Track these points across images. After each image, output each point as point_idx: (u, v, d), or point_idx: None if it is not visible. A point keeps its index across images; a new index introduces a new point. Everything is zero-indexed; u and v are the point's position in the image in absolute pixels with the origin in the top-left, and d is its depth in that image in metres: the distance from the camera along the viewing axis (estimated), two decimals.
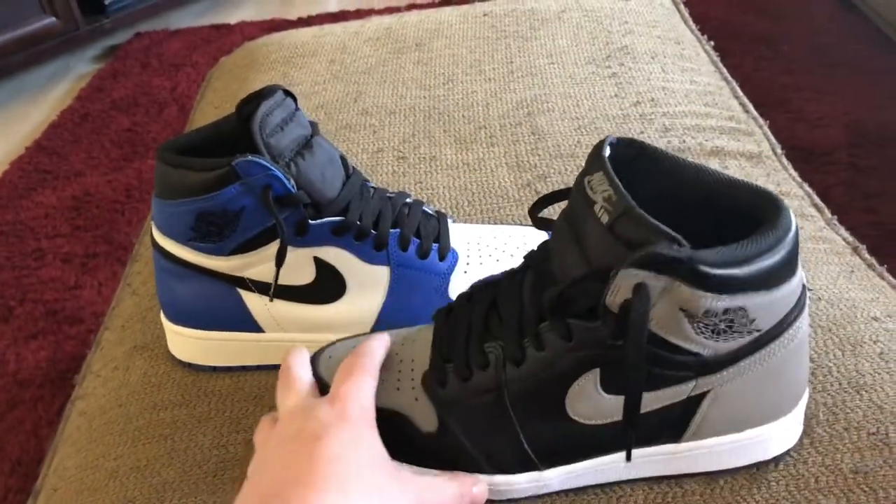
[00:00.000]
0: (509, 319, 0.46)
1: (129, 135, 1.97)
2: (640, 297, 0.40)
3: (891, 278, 0.63)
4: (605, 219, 0.42)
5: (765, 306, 0.42)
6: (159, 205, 0.55)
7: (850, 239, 0.68)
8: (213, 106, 0.99)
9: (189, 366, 0.59)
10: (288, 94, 0.55)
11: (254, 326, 0.57)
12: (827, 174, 1.49)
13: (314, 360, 0.51)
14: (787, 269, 0.42)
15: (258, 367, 0.58)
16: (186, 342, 0.59)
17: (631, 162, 0.46)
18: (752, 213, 0.43)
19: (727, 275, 0.40)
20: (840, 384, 0.52)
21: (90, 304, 1.44)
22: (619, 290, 0.41)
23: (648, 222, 0.40)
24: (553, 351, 0.44)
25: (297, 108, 0.55)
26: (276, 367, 0.58)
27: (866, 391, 0.51)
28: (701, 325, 0.41)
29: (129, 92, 2.13)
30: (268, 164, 0.51)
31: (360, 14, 2.19)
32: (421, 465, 0.47)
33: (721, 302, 0.40)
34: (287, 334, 0.57)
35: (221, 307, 0.57)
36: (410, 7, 2.23)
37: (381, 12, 2.16)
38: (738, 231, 0.42)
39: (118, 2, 2.18)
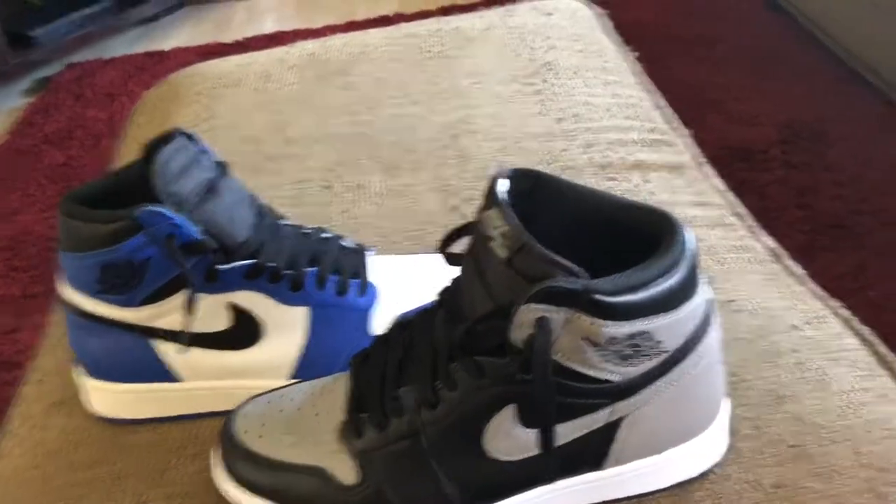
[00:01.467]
0: (423, 362, 0.45)
1: (65, 169, 1.93)
2: (542, 332, 0.40)
3: (812, 284, 0.64)
4: (503, 254, 0.41)
5: (669, 327, 0.42)
6: (65, 258, 0.54)
7: (772, 246, 0.69)
8: (136, 142, 0.97)
9: (109, 420, 0.57)
10: (189, 137, 0.54)
11: (170, 377, 0.56)
12: (762, 172, 1.51)
13: (230, 421, 0.50)
14: (686, 288, 0.42)
15: (179, 417, 0.57)
16: (104, 396, 0.57)
17: (530, 192, 0.45)
18: (651, 234, 0.43)
19: (625, 301, 0.40)
20: (761, 397, 0.52)
21: (29, 348, 1.40)
22: (522, 325, 0.40)
23: (545, 255, 0.40)
24: (465, 390, 0.43)
25: (202, 150, 0.54)
26: (197, 416, 0.57)
27: (786, 402, 0.51)
28: (607, 352, 0.41)
29: (63, 125, 2.09)
30: (169, 214, 0.50)
31: (296, 34, 2.18)
32: None
33: (623, 328, 0.40)
34: (205, 382, 0.56)
35: (135, 359, 0.55)
36: (349, 24, 2.22)
37: (315, 33, 2.15)
38: (641, 252, 0.42)
39: (47, 34, 2.14)
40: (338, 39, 1.06)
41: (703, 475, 0.48)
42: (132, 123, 1.05)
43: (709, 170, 0.81)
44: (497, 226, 0.42)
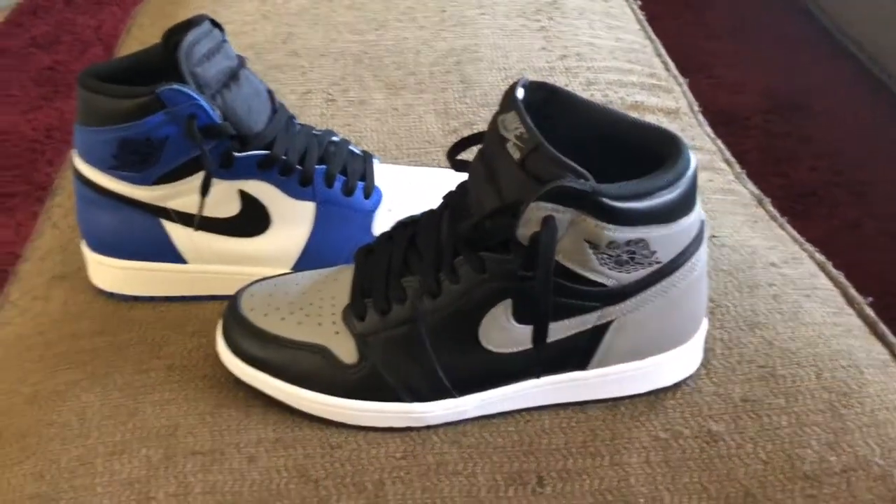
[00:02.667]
0: (426, 254, 0.48)
1: (50, 73, 1.90)
2: (548, 229, 0.42)
3: (791, 229, 0.67)
4: (516, 155, 0.44)
5: (664, 239, 0.44)
6: (81, 132, 0.55)
7: (756, 192, 0.72)
8: (138, 42, 0.97)
9: (110, 295, 0.59)
10: (215, 24, 0.55)
11: (176, 257, 0.58)
12: (743, 138, 1.55)
13: (236, 299, 0.52)
14: (685, 204, 0.44)
15: (181, 298, 0.59)
16: (108, 272, 0.59)
17: (543, 104, 0.48)
18: (655, 152, 0.46)
19: (628, 207, 0.42)
20: (736, 322, 0.55)
21: (8, 244, 1.41)
22: (529, 222, 0.43)
23: (557, 158, 0.42)
24: (467, 283, 0.46)
25: (224, 40, 0.55)
26: (198, 299, 0.59)
27: (759, 329, 0.55)
28: (605, 256, 0.44)
29: (51, 29, 2.05)
30: (193, 94, 0.51)
31: None
32: (342, 396, 0.49)
33: (623, 233, 0.43)
34: (210, 266, 0.58)
35: (144, 237, 0.57)
36: None
37: None
38: (643, 169, 0.45)
39: None
40: None
41: (677, 385, 0.51)
42: (134, 24, 1.05)
43: (702, 118, 0.83)
44: (513, 128, 0.44)
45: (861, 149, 1.52)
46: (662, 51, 0.94)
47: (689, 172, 0.45)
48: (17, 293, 0.66)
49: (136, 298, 0.59)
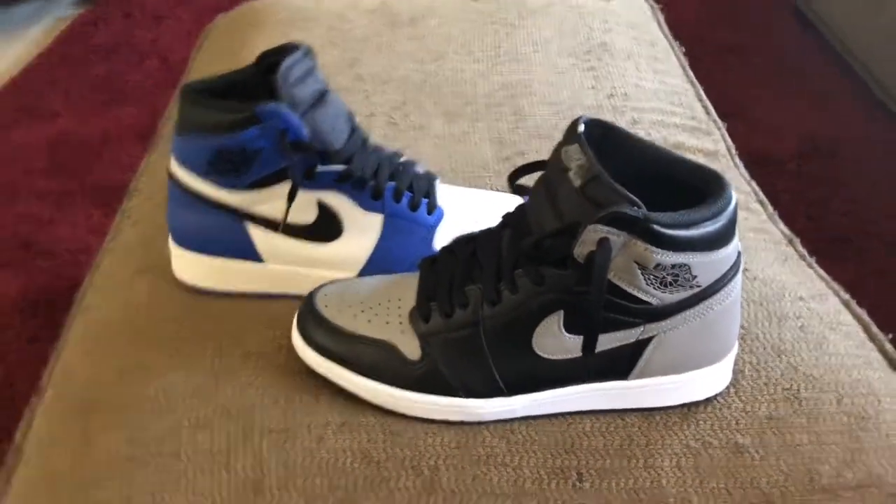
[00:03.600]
0: (488, 266, 0.53)
1: (108, 81, 1.99)
2: (603, 249, 0.48)
3: (819, 269, 0.72)
4: (577, 182, 0.49)
5: (705, 265, 0.50)
6: (180, 140, 0.61)
7: (787, 232, 0.77)
8: (213, 59, 1.04)
9: (192, 288, 0.65)
10: (309, 51, 0.61)
11: (255, 256, 0.64)
12: (776, 180, 1.59)
13: (311, 296, 0.58)
14: (725, 235, 0.50)
15: (255, 295, 0.65)
16: (191, 265, 0.65)
17: (600, 139, 0.53)
18: (700, 188, 0.51)
19: (675, 235, 0.48)
20: (765, 348, 0.60)
21: (63, 240, 1.48)
22: (586, 243, 0.48)
23: (613, 186, 0.48)
24: (525, 293, 0.51)
25: (315, 65, 0.62)
26: (271, 296, 0.65)
27: (786, 355, 0.59)
28: (651, 276, 0.49)
29: (110, 39, 2.15)
30: (286, 113, 0.58)
31: None
32: (404, 389, 0.54)
33: (669, 257, 0.48)
34: (285, 266, 0.64)
35: (227, 237, 0.63)
36: None
37: None
38: (688, 202, 0.50)
39: None
40: None
41: (709, 400, 0.56)
42: (207, 40, 1.12)
43: (738, 161, 0.89)
44: (575, 158, 0.49)
45: (891, 200, 1.56)
46: (703, 95, 0.99)
47: (731, 207, 0.50)
48: (100, 281, 0.72)
49: (215, 292, 0.65)
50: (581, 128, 0.52)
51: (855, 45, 1.82)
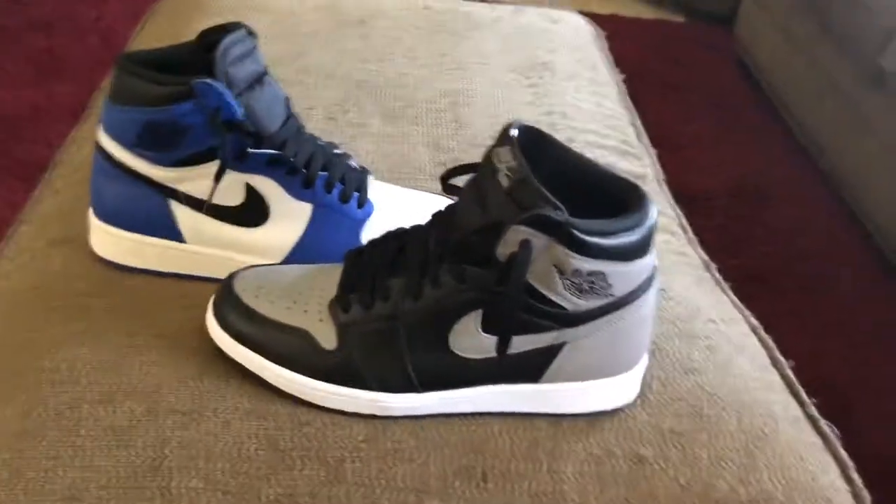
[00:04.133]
0: (413, 261, 0.53)
1: (46, 55, 1.94)
2: (524, 251, 0.48)
3: (732, 295, 0.75)
4: (505, 183, 0.50)
5: (621, 275, 0.51)
6: (111, 109, 0.60)
7: (705, 258, 0.79)
8: (154, 38, 1.03)
9: (109, 263, 0.64)
10: (250, 32, 0.61)
11: (177, 236, 0.62)
12: (704, 218, 1.64)
13: (230, 279, 0.57)
14: (642, 248, 0.51)
15: (173, 274, 0.64)
16: (110, 240, 0.63)
17: (531, 145, 0.54)
18: (622, 199, 0.52)
19: (594, 242, 0.49)
20: (674, 366, 0.62)
21: None
22: (508, 243, 0.49)
23: (539, 190, 0.49)
24: (447, 290, 0.52)
25: (255, 46, 0.61)
26: (189, 277, 0.64)
27: (693, 374, 0.61)
28: (569, 282, 0.50)
29: (48, 12, 2.09)
30: (223, 90, 0.57)
31: None
32: (316, 378, 0.54)
33: (587, 264, 0.49)
34: (207, 248, 0.63)
35: (150, 213, 0.62)
36: None
37: None
38: (609, 211, 0.51)
39: None
40: None
41: (615, 411, 0.57)
42: (150, 20, 1.10)
43: (665, 187, 0.91)
44: (505, 160, 0.50)
45: (811, 245, 1.63)
46: (637, 122, 1.02)
47: (649, 221, 0.51)
48: (13, 251, 0.70)
49: (132, 269, 0.64)
50: (514, 132, 0.53)
51: (787, 95, 1.89)
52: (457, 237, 0.51)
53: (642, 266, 0.52)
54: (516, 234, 0.48)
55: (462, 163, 0.82)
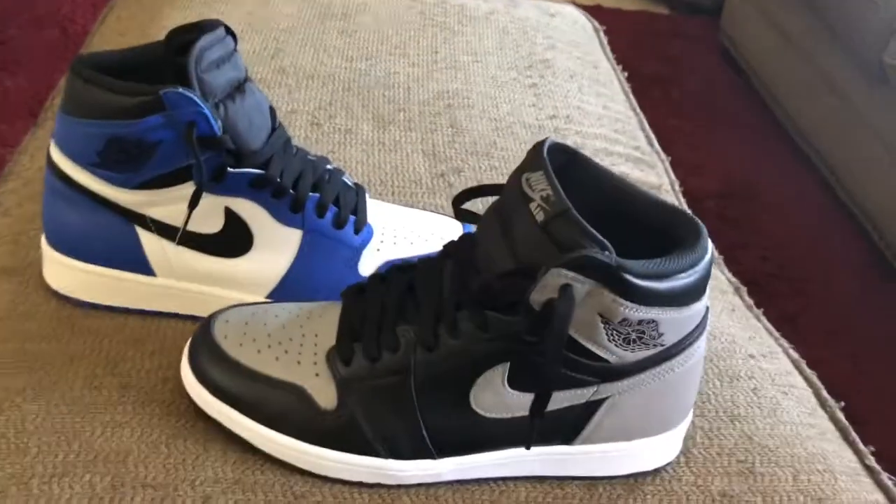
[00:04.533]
0: (426, 305, 0.45)
1: (1, 49, 1.83)
2: (566, 298, 0.40)
3: (766, 321, 0.68)
4: (540, 217, 0.42)
5: (674, 322, 0.43)
6: (65, 121, 0.51)
7: (734, 280, 0.72)
8: (117, 33, 0.93)
9: (66, 299, 0.55)
10: (229, 31, 0.52)
11: (145, 268, 0.54)
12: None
13: (209, 323, 0.48)
14: (698, 290, 0.44)
15: (142, 312, 0.55)
16: (67, 273, 0.55)
17: (562, 166, 0.46)
18: (669, 233, 0.45)
19: (648, 287, 0.41)
20: (717, 412, 0.54)
21: None
22: (545, 288, 0.41)
23: (583, 226, 0.41)
24: (467, 339, 0.44)
25: (235, 49, 0.53)
26: (161, 315, 0.55)
27: (739, 422, 0.54)
28: (615, 332, 0.42)
29: (5, 2, 1.97)
30: (197, 100, 0.48)
31: None
32: (313, 443, 0.46)
33: (638, 312, 0.42)
34: (180, 282, 0.54)
35: (113, 243, 0.53)
36: None
37: None
38: (652, 247, 0.44)
39: None
40: None
41: (657, 472, 0.50)
42: (111, 13, 1.01)
43: (682, 198, 0.84)
44: (539, 189, 0.42)
45: (805, 247, 1.57)
46: (646, 125, 0.94)
47: (706, 259, 0.44)
48: None
49: (93, 305, 0.55)
50: (546, 153, 0.45)
51: (777, 89, 1.83)
52: (481, 280, 0.43)
53: (696, 311, 0.44)
54: (556, 279, 0.41)
55: (463, 174, 0.75)
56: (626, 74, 1.04)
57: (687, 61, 2.16)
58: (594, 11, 2.13)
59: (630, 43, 2.16)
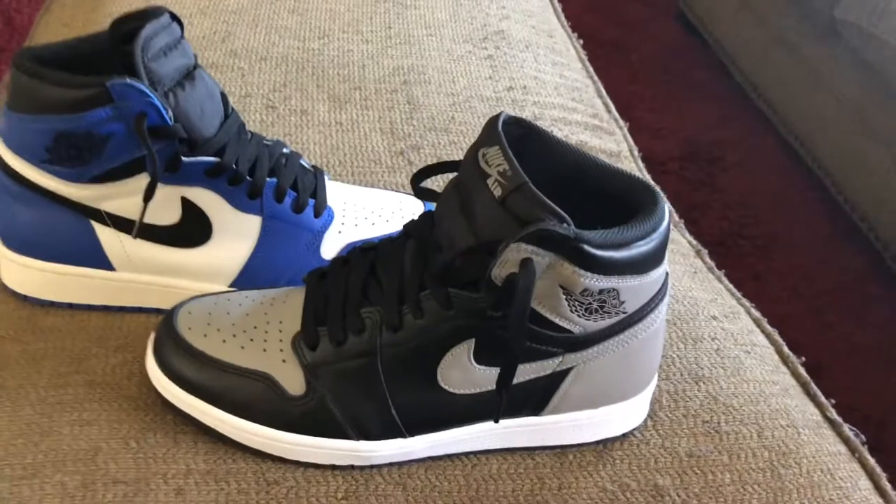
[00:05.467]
0: (389, 286, 0.45)
1: None
2: (527, 272, 0.41)
3: (727, 283, 0.69)
4: (497, 192, 0.42)
5: (634, 290, 0.44)
6: (11, 118, 0.50)
7: (694, 243, 0.73)
8: (61, 23, 0.91)
9: (25, 298, 0.54)
10: (174, 18, 0.51)
11: (104, 263, 0.53)
12: (658, 182, 1.58)
13: (172, 315, 0.48)
14: (657, 256, 0.44)
15: (104, 308, 0.54)
16: (24, 272, 0.54)
17: (518, 139, 0.46)
18: (627, 201, 0.45)
19: (607, 256, 0.42)
20: (681, 374, 0.55)
21: None
22: (506, 263, 0.41)
23: (541, 199, 0.41)
24: (432, 319, 0.44)
25: (182, 36, 0.52)
26: (123, 310, 0.55)
27: (704, 383, 0.55)
28: (577, 303, 0.43)
29: None
30: (146, 90, 0.48)
31: None
32: (283, 429, 0.46)
33: (598, 282, 0.42)
34: (140, 276, 0.54)
35: (70, 239, 0.52)
36: None
37: None
38: (611, 215, 0.44)
39: None
40: None
41: (625, 436, 0.51)
42: (56, 3, 0.98)
43: (641, 164, 0.84)
44: (496, 164, 0.42)
45: (767, 205, 1.59)
46: (603, 92, 0.94)
47: (664, 225, 0.44)
48: None
49: (53, 304, 0.54)
50: (502, 127, 0.45)
51: (734, 51, 1.85)
52: (442, 258, 0.43)
53: (656, 277, 0.45)
54: (516, 253, 0.41)
55: (422, 151, 0.74)
56: (581, 42, 1.04)
57: (644, 26, 2.16)
58: None
59: (586, 8, 2.16)
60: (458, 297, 0.43)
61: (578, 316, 0.44)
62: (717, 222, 1.55)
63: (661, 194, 0.45)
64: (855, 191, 1.46)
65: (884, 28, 1.31)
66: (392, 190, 0.66)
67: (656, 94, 1.88)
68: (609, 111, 0.90)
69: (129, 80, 0.47)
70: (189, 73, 0.51)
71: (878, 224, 1.41)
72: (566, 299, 0.43)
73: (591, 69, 0.99)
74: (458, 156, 0.75)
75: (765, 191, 1.63)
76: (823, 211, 1.59)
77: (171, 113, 0.49)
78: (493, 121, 0.45)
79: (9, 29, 1.82)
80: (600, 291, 0.43)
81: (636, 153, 0.85)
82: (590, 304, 0.43)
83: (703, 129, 1.77)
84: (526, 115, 0.82)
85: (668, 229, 0.45)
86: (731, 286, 0.68)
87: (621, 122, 0.89)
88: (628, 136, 0.87)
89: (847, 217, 1.52)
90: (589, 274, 0.42)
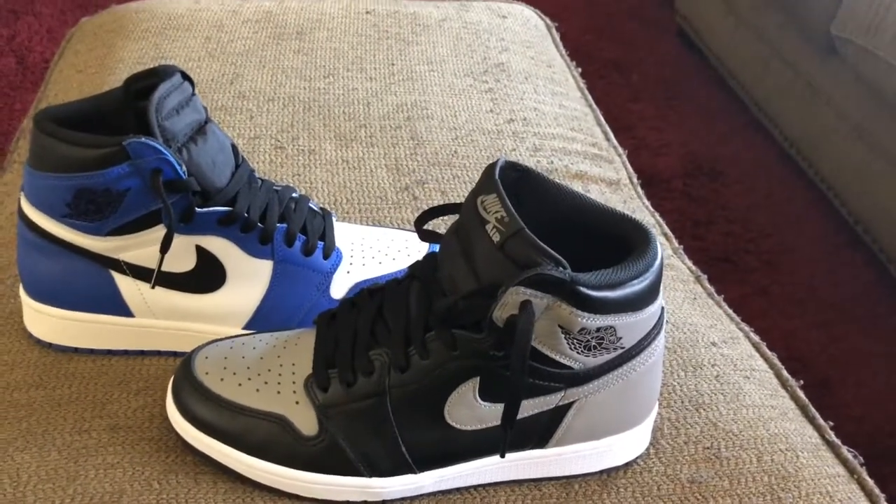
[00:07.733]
0: (396, 328, 0.47)
1: None
2: (526, 314, 0.43)
3: (727, 308, 0.70)
4: (496, 238, 0.44)
5: (631, 326, 0.46)
6: (33, 176, 0.53)
7: (693, 268, 0.75)
8: (75, 69, 0.94)
9: (48, 346, 0.57)
10: (186, 77, 0.54)
11: (123, 310, 0.56)
12: (663, 200, 1.61)
13: (189, 360, 0.50)
14: (651, 293, 0.46)
15: (124, 352, 0.57)
16: (47, 321, 0.56)
17: (515, 184, 0.49)
18: (622, 240, 0.47)
19: (602, 297, 0.44)
20: (682, 402, 0.57)
21: None
22: (506, 305, 0.43)
23: (537, 244, 0.43)
24: (437, 359, 0.46)
25: (193, 93, 0.54)
26: (142, 354, 0.57)
27: (704, 409, 0.57)
28: (575, 340, 0.45)
29: None
30: (160, 148, 0.50)
31: None
32: (298, 468, 0.48)
33: (594, 321, 0.44)
34: (158, 321, 0.56)
35: (91, 288, 0.55)
36: None
37: None
38: (607, 255, 0.46)
39: None
40: (294, 2, 1.06)
41: (628, 465, 0.52)
42: (69, 48, 1.01)
43: (640, 190, 0.86)
44: (494, 211, 0.45)
45: (771, 219, 1.61)
46: (602, 119, 0.97)
47: (657, 263, 0.46)
48: None
49: (75, 350, 0.57)
50: (499, 174, 0.47)
51: (734, 67, 1.87)
52: (445, 302, 0.45)
53: (652, 312, 0.47)
54: (515, 296, 0.43)
55: (426, 186, 0.77)
56: (582, 63, 1.06)
57: (644, 44, 2.18)
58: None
59: (586, 29, 2.19)
60: (462, 337, 0.45)
61: (578, 353, 0.46)
62: (723, 238, 1.56)
63: (653, 233, 0.47)
64: (858, 203, 1.48)
65: (878, 43, 1.33)
66: (398, 227, 0.69)
67: (658, 111, 1.90)
68: (608, 139, 0.92)
69: (144, 139, 0.50)
70: (201, 128, 0.54)
71: (881, 236, 1.42)
72: (565, 338, 0.45)
73: (589, 97, 1.01)
74: (462, 189, 0.77)
75: (768, 205, 1.64)
76: (827, 224, 1.60)
77: (184, 167, 0.51)
78: (490, 168, 0.47)
79: (21, 67, 1.86)
80: (598, 329, 0.45)
81: (635, 180, 0.87)
82: (588, 341, 0.45)
83: (705, 145, 1.79)
84: (527, 146, 0.85)
85: (661, 267, 0.47)
86: (730, 311, 0.70)
87: (620, 150, 0.91)
88: (627, 163, 0.89)
89: (851, 230, 1.54)
90: (586, 314, 0.44)
